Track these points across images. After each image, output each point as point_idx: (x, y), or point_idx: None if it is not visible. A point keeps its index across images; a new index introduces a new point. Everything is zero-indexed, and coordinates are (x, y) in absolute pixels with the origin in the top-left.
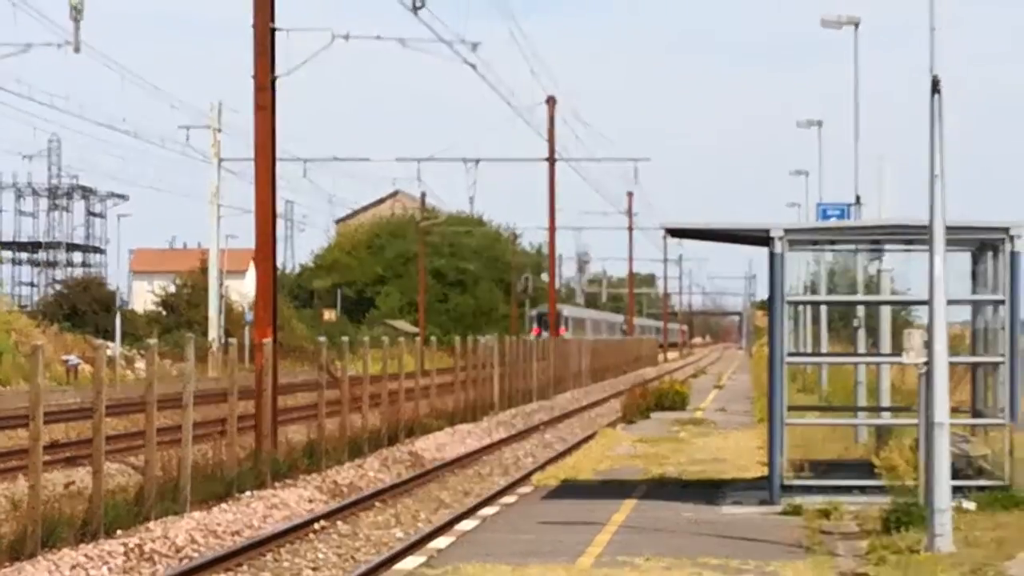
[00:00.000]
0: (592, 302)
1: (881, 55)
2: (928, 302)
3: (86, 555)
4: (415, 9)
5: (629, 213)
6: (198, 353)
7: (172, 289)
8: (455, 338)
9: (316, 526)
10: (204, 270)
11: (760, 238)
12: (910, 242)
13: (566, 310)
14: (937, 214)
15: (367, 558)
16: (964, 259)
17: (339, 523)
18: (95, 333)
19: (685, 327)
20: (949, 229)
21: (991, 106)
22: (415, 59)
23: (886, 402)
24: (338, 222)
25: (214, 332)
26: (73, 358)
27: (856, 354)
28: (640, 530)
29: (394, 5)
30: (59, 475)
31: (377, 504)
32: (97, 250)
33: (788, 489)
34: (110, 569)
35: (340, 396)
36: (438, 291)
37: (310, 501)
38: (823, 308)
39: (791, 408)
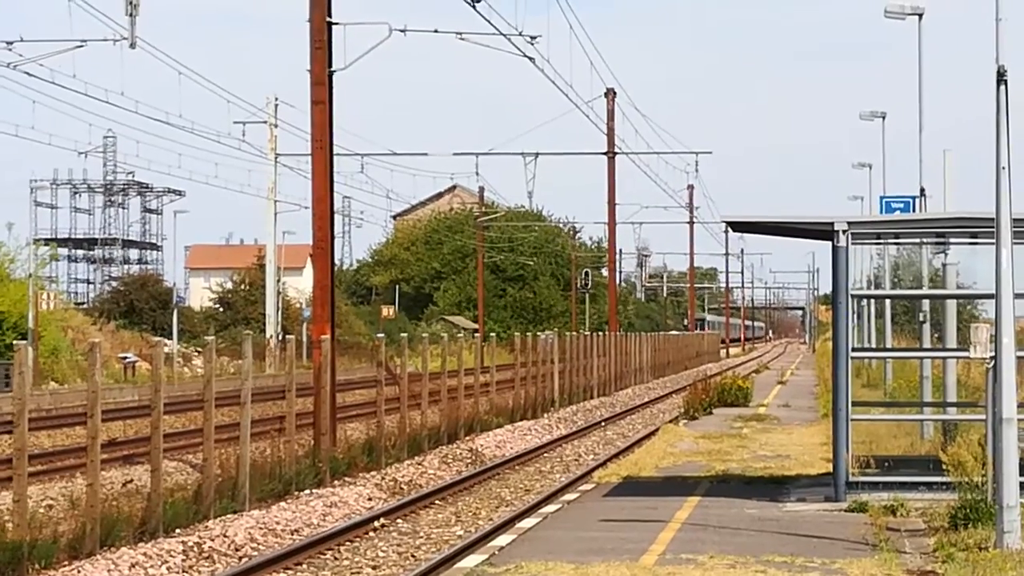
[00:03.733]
0: (652, 297)
1: (946, 45)
2: (995, 296)
3: (145, 554)
4: (473, 2)
5: (690, 207)
6: (255, 350)
7: (229, 285)
8: (514, 334)
9: (376, 524)
10: (261, 266)
11: (823, 231)
12: (976, 235)
13: (708, 316)
14: (1003, 206)
15: (428, 556)
16: None
17: (399, 521)
18: (152, 330)
19: (762, 324)
20: (1015, 221)
21: None
22: (473, 52)
23: (952, 397)
24: (396, 217)
25: (271, 329)
26: (130, 355)
27: (921, 349)
28: (704, 527)
29: None
30: (117, 473)
31: (437, 502)
32: (153, 246)
33: (853, 486)
34: (169, 568)
35: (399, 393)
36: (497, 286)
37: (369, 499)
38: (887, 302)
39: (855, 404)
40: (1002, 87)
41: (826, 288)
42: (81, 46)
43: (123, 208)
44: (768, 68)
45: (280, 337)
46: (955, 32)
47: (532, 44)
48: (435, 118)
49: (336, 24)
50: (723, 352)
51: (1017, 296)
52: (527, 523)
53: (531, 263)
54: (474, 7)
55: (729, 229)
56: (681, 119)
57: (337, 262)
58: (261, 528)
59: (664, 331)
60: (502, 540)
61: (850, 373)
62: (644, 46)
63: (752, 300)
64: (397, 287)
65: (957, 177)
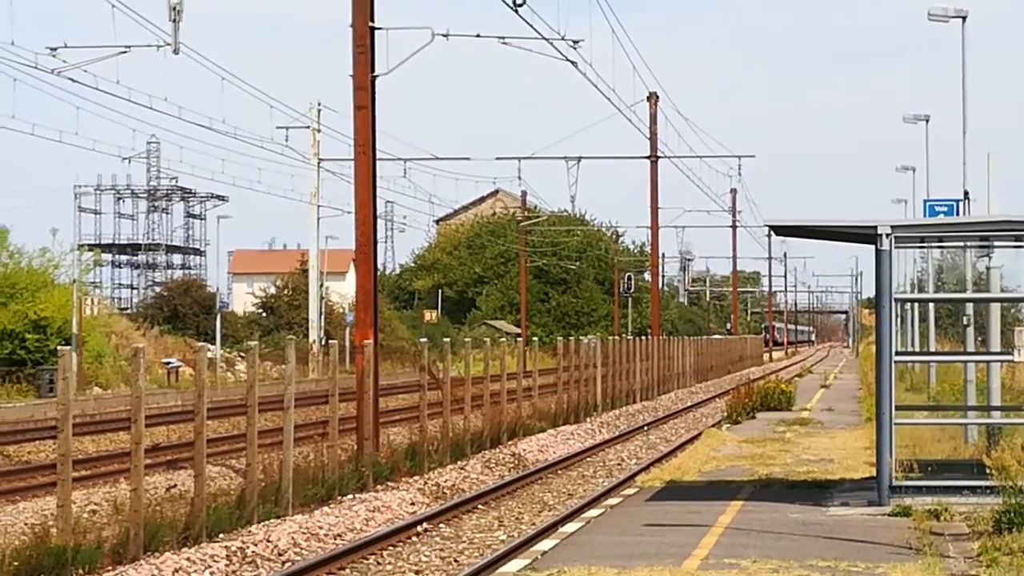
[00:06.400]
0: (695, 301)
1: (991, 46)
2: None
3: (188, 559)
4: (516, 6)
5: (733, 211)
6: (299, 355)
7: (272, 291)
8: (557, 338)
9: (419, 528)
10: (304, 271)
11: (867, 235)
12: (1020, 238)
13: (777, 324)
14: None
15: (471, 561)
16: None
17: (442, 526)
18: (195, 335)
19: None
20: None
21: None
22: (516, 57)
23: (996, 401)
24: (438, 222)
25: (314, 334)
26: (173, 361)
27: (965, 352)
28: (747, 532)
29: (495, 3)
30: (160, 478)
31: (480, 506)
32: (196, 252)
33: (897, 490)
34: (212, 573)
35: (442, 398)
36: (539, 291)
37: (412, 504)
38: (931, 306)
39: (899, 407)
40: None
41: (869, 292)
42: (125, 52)
43: (167, 213)
44: (810, 71)
45: (323, 342)
46: (1001, 33)
47: (574, 48)
48: (477, 122)
49: (379, 29)
50: (766, 356)
51: None
52: (570, 527)
53: (574, 267)
54: (516, 11)
55: (772, 233)
56: (724, 123)
57: (380, 267)
58: (304, 533)
59: (707, 335)
60: (545, 544)
61: (894, 377)
62: (686, 50)
63: (795, 304)
64: (440, 291)
65: (1002, 180)
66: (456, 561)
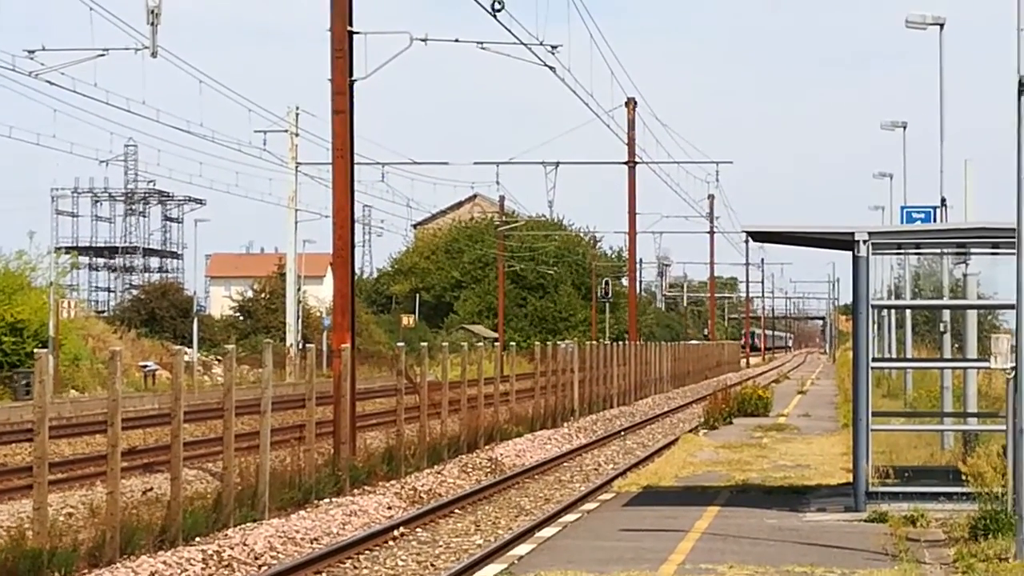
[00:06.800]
0: (672, 306)
1: (968, 54)
2: (1016, 306)
3: (164, 562)
4: (494, 11)
5: (710, 217)
6: (276, 359)
7: (250, 294)
8: (534, 343)
9: (395, 533)
10: (282, 275)
11: (844, 241)
12: (996, 245)
13: (756, 331)
14: None
15: (447, 565)
16: None
17: (419, 530)
18: (172, 339)
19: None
20: None
21: None
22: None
23: (972, 408)
24: (416, 226)
25: (292, 337)
26: (150, 364)
27: (942, 359)
28: (723, 537)
29: (474, 8)
30: (137, 481)
31: (457, 511)
32: (174, 255)
33: (873, 496)
34: None
35: (419, 402)
36: (517, 295)
37: (389, 508)
38: (908, 312)
39: (876, 414)
40: (1022, 98)
41: (846, 298)
42: (102, 55)
43: (144, 216)
44: (787, 79)
45: (300, 346)
46: (977, 41)
47: (553, 53)
48: (456, 127)
49: (357, 33)
50: (743, 361)
51: None
52: (547, 532)
53: (551, 272)
54: (495, 16)
55: (749, 239)
56: (702, 129)
57: (357, 271)
58: (280, 537)
59: (684, 340)
60: (522, 549)
61: (870, 383)
62: (665, 56)
63: (772, 310)
64: (417, 296)
65: (978, 187)
66: (433, 566)
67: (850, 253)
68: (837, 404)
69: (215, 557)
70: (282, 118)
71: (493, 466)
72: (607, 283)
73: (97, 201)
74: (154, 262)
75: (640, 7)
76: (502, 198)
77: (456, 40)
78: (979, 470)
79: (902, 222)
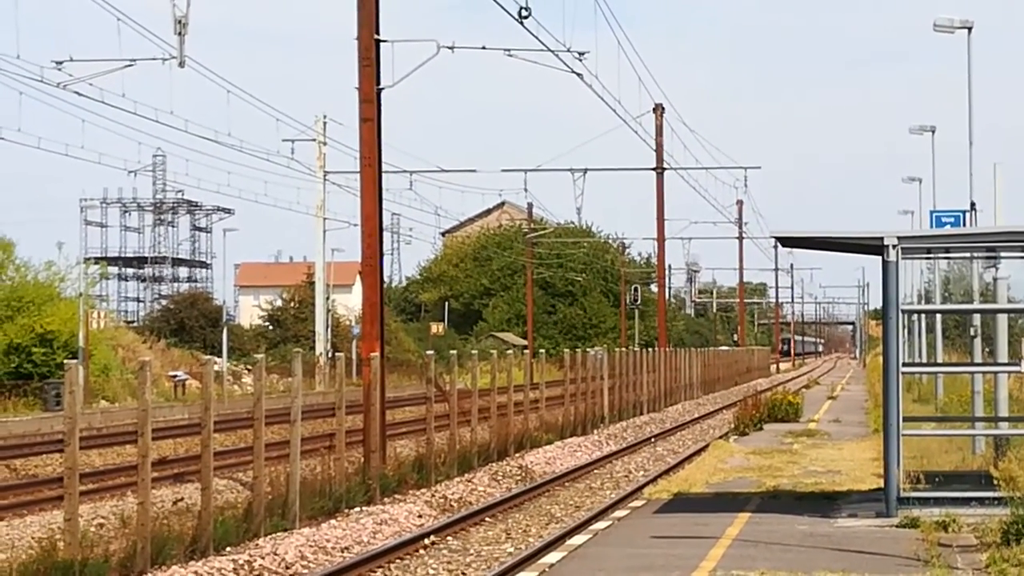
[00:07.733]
0: (701, 312)
1: (999, 56)
2: None
3: (195, 572)
4: (521, 19)
5: (739, 222)
6: (305, 368)
7: (279, 303)
8: (564, 350)
9: (426, 541)
10: (310, 284)
11: (873, 246)
12: None
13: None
14: None
15: (478, 574)
16: None
17: (449, 538)
18: (202, 348)
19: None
20: None
21: None
22: (521, 69)
23: (1004, 412)
24: (444, 234)
25: (321, 346)
26: (180, 374)
27: (972, 363)
28: (755, 544)
29: (500, 15)
30: (167, 491)
31: (487, 519)
32: (203, 264)
33: (904, 501)
34: None
35: (448, 410)
36: (546, 303)
37: (419, 516)
38: (938, 317)
39: (906, 419)
40: None
41: (876, 303)
42: (130, 65)
43: (173, 226)
44: (815, 83)
45: (330, 355)
46: (1008, 42)
47: (580, 60)
48: (483, 134)
49: (384, 42)
50: (773, 367)
51: None
52: (577, 540)
53: (580, 279)
54: (522, 23)
55: (778, 244)
56: (730, 134)
57: (386, 279)
58: (311, 546)
59: (714, 346)
60: (552, 557)
61: (901, 388)
62: (692, 61)
63: (802, 315)
64: (446, 304)
65: (1008, 190)
66: (463, 574)
67: (880, 258)
68: (867, 409)
69: (246, 567)
70: (310, 127)
71: (523, 474)
72: (636, 290)
73: (126, 211)
74: (183, 272)
75: (667, 13)
76: (530, 205)
77: (483, 47)
78: (1011, 474)
79: (931, 226)
